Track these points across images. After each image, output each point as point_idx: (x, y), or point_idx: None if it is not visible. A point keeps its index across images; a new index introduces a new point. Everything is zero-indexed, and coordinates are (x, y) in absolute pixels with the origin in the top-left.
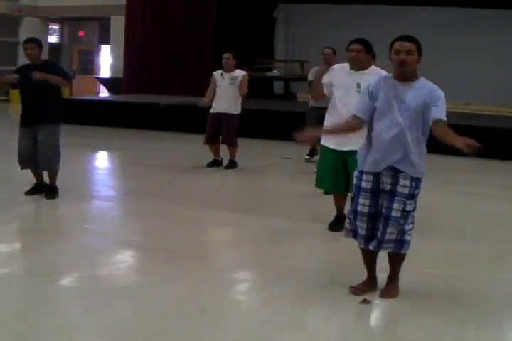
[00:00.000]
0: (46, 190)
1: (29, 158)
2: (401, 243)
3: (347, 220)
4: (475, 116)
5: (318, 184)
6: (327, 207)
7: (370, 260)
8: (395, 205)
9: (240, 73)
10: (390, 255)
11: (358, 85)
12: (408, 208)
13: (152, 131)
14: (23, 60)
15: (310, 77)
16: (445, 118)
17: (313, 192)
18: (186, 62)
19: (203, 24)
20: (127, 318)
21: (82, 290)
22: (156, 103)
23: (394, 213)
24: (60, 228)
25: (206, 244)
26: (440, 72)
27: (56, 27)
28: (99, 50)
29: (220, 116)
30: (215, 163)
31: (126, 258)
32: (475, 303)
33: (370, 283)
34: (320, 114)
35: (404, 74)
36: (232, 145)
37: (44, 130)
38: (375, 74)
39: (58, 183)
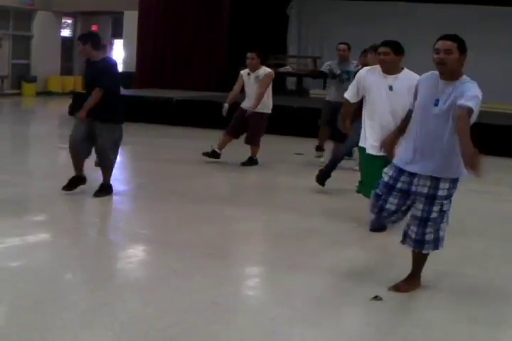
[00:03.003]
0: (99, 187)
1: (79, 148)
2: (437, 241)
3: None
4: (489, 114)
5: (365, 191)
6: (340, 203)
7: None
8: (435, 208)
9: (264, 71)
10: (418, 253)
11: (391, 88)
12: (445, 208)
13: (164, 125)
14: (36, 53)
15: (323, 68)
16: (469, 105)
17: (325, 188)
18: (199, 57)
19: (216, 19)
20: (138, 312)
21: (94, 284)
22: (168, 97)
23: (433, 215)
24: (72, 222)
25: (218, 239)
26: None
27: (69, 21)
28: (111, 44)
29: (248, 115)
30: (213, 155)
31: (137, 252)
32: (487, 301)
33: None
34: (334, 107)
35: (444, 73)
36: (254, 145)
37: (100, 127)
38: (405, 77)
39: (68, 177)
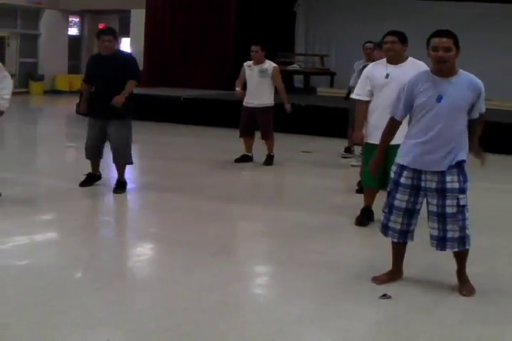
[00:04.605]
0: (115, 184)
1: (95, 149)
2: (463, 239)
3: (383, 214)
4: (495, 112)
5: (367, 183)
6: (348, 201)
7: (399, 253)
8: (448, 202)
9: (269, 65)
10: (456, 254)
11: (387, 76)
12: (462, 202)
13: (172, 124)
14: (43, 52)
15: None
16: (484, 110)
17: (333, 186)
18: (206, 56)
19: (224, 17)
20: (147, 311)
21: (103, 283)
22: (176, 96)
23: (449, 210)
24: (80, 220)
25: (226, 238)
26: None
27: (76, 19)
28: (119, 42)
29: (254, 111)
30: (245, 159)
31: (146, 251)
32: (497, 300)
33: (393, 274)
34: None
35: (444, 70)
36: (268, 139)
37: (114, 125)
38: (410, 65)
39: (79, 176)
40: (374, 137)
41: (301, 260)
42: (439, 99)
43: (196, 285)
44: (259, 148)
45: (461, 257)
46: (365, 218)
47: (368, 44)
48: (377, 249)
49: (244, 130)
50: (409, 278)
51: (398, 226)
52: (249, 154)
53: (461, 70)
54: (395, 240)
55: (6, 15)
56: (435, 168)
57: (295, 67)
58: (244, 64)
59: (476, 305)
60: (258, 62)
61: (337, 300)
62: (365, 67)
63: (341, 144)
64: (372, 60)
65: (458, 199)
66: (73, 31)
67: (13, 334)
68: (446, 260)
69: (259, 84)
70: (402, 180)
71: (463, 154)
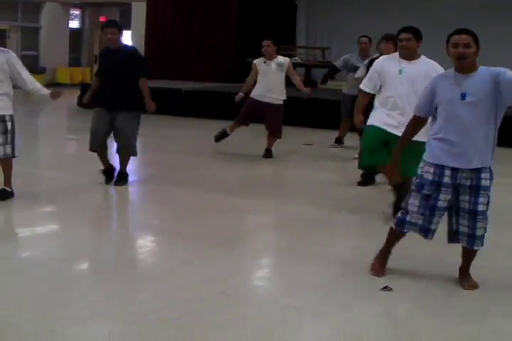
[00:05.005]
0: (117, 176)
1: (100, 140)
2: (483, 237)
3: (412, 215)
4: None
5: (364, 160)
6: (349, 194)
7: (396, 242)
8: (481, 199)
9: (285, 59)
10: (469, 250)
11: (400, 71)
12: (490, 200)
13: (173, 116)
14: (44, 44)
15: (338, 63)
16: None
17: (335, 178)
18: (207, 48)
19: (225, 10)
20: (148, 303)
21: (104, 275)
22: (177, 88)
23: (480, 207)
24: (81, 213)
25: (227, 230)
26: None
27: (77, 12)
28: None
29: (263, 106)
30: (223, 134)
31: (146, 243)
32: (499, 294)
33: (384, 262)
34: (354, 100)
35: (464, 66)
36: (277, 137)
37: (123, 116)
38: (424, 63)
39: (80, 168)
40: (377, 120)
41: (302, 252)
42: (463, 96)
43: (197, 277)
44: (261, 143)
45: (473, 254)
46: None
47: (362, 38)
48: (378, 241)
49: (244, 119)
50: (410, 271)
51: (429, 225)
52: (229, 133)
53: (481, 66)
54: (420, 234)
55: (6, 7)
56: (471, 165)
57: (296, 59)
58: (255, 61)
59: (478, 298)
60: (271, 56)
61: (338, 293)
62: (373, 60)
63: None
64: (366, 54)
65: (489, 196)
66: (74, 24)
67: (14, 326)
68: (448, 254)
69: (277, 79)
70: (446, 179)
71: (490, 152)
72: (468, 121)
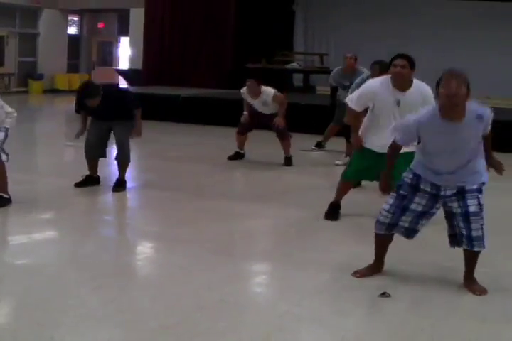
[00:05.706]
0: (116, 182)
1: (96, 147)
2: (483, 239)
3: (383, 214)
4: (495, 110)
5: (346, 174)
6: (346, 199)
7: (384, 247)
8: (470, 201)
9: (267, 96)
10: (470, 253)
11: (398, 103)
12: (481, 201)
13: (170, 122)
14: (42, 51)
15: (332, 83)
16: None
17: (332, 184)
18: (205, 54)
19: (223, 16)
20: (146, 309)
21: (102, 281)
22: (175, 94)
23: (472, 208)
24: (79, 219)
25: (225, 236)
26: (461, 65)
27: (75, 18)
28: (118, 41)
29: (265, 116)
30: (237, 156)
31: (145, 249)
32: (496, 298)
33: (375, 268)
34: None
35: (455, 114)
36: (286, 139)
37: (120, 124)
38: (417, 91)
39: (77, 174)
40: (367, 143)
41: (301, 258)
42: (451, 143)
43: (195, 284)
44: (258, 149)
45: (474, 257)
46: (336, 212)
47: (348, 55)
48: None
49: (246, 128)
50: (409, 277)
51: (407, 225)
52: (242, 151)
53: (468, 106)
54: (402, 235)
55: (4, 14)
56: (461, 184)
57: (294, 65)
58: (242, 91)
59: (475, 303)
60: (256, 95)
61: (336, 299)
62: (365, 80)
63: (341, 143)
64: (352, 70)
65: (478, 198)
66: (72, 30)
67: (12, 333)
68: (447, 259)
69: (265, 110)
70: (422, 186)
71: (481, 166)
72: (454, 158)
